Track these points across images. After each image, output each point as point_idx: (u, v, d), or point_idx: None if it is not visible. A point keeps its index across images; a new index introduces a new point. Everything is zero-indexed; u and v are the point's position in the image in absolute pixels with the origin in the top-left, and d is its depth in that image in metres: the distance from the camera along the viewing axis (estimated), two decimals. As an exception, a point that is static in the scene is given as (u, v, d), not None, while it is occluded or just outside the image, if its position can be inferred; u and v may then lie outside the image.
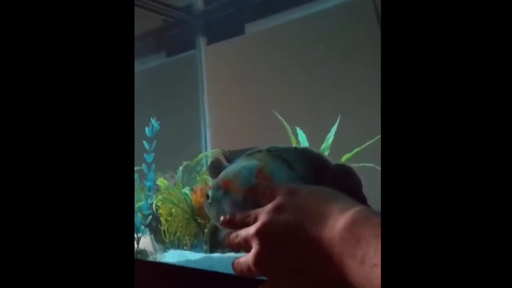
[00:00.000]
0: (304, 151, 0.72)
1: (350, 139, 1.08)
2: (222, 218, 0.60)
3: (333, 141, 1.10)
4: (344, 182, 0.62)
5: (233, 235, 0.55)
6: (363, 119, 1.41)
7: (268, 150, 0.80)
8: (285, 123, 1.10)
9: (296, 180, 0.70)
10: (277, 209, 0.50)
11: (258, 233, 0.49)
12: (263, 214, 0.51)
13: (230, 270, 0.58)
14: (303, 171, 0.68)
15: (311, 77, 1.50)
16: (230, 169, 0.88)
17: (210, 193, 0.93)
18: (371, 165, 0.91)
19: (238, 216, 0.56)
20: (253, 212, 0.54)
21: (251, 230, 0.50)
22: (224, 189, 0.87)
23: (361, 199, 0.58)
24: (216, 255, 1.12)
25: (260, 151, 0.81)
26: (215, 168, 1.12)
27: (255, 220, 0.52)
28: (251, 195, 0.61)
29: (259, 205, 0.56)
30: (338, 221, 0.43)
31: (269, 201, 0.52)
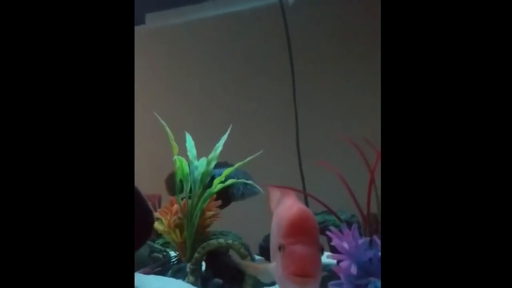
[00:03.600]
0: None
1: (242, 150, 1.01)
2: None
3: (223, 151, 1.02)
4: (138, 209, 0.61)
5: None
6: (256, 130, 1.37)
7: None
8: (167, 129, 0.98)
9: None
10: None
11: None
12: None
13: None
14: None
15: (209, 82, 1.42)
16: None
17: None
18: (250, 182, 0.84)
19: None
20: None
21: None
22: None
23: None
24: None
25: None
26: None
27: None
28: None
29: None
30: None
31: None
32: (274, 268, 0.66)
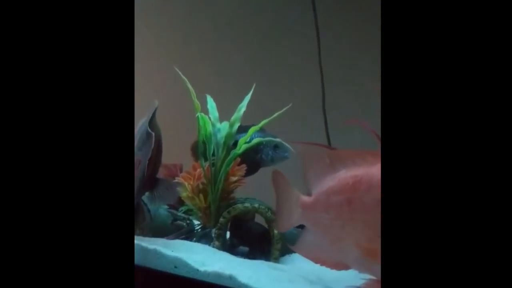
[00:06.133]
0: None
1: (264, 110, 0.95)
2: None
3: (247, 112, 0.96)
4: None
5: None
6: (279, 89, 1.31)
7: None
8: (189, 85, 0.93)
9: None
10: None
11: None
12: None
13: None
14: None
15: (231, 42, 1.36)
16: None
17: None
18: (278, 139, 0.78)
19: None
20: None
21: None
22: None
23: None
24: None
25: None
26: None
27: None
28: None
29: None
30: None
31: None
32: None
